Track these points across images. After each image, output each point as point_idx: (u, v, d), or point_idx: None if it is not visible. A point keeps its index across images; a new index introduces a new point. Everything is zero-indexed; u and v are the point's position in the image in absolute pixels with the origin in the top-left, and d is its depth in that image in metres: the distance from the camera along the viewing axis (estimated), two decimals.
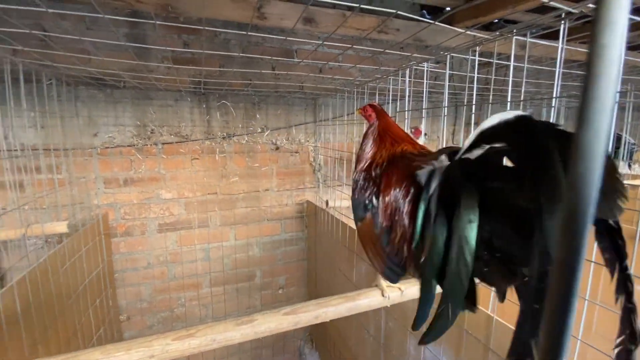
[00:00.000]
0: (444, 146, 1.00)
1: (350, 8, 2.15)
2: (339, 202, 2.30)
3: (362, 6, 0.89)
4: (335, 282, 2.23)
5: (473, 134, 0.53)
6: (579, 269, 0.21)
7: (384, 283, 0.98)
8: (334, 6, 2.16)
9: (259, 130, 2.50)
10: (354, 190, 0.96)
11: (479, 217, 0.56)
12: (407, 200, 0.78)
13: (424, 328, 0.67)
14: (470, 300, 0.60)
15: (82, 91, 2.06)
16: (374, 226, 0.85)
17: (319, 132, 2.66)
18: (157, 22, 1.32)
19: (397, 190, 0.81)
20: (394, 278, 0.87)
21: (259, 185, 2.58)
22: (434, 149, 0.91)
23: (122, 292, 2.37)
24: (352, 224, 1.96)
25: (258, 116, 2.48)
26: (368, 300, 0.91)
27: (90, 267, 1.94)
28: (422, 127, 2.02)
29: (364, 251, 0.91)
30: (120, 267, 2.34)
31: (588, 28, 2.29)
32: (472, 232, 0.55)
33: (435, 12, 2.25)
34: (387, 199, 0.83)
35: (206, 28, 1.27)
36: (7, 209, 1.57)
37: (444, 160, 0.66)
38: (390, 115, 1.12)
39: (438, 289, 0.63)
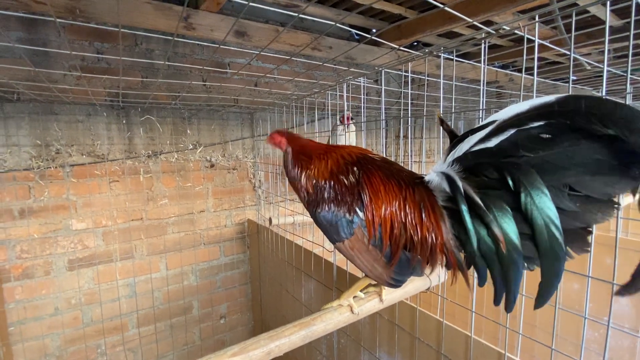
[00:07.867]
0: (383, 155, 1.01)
1: (282, 24, 2.14)
2: (283, 218, 2.23)
3: (300, 15, 0.87)
4: (282, 304, 2.13)
5: (491, 122, 0.63)
6: None
7: (351, 299, 0.94)
8: (266, 21, 2.13)
9: (191, 147, 2.31)
10: (318, 203, 0.86)
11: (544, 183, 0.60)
12: (421, 208, 0.76)
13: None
14: (581, 243, 0.62)
15: None
16: (369, 241, 0.81)
17: (258, 148, 2.57)
18: (58, 21, 1.14)
19: (396, 201, 0.79)
20: (399, 283, 0.85)
21: (192, 207, 2.37)
22: None
23: (20, 349, 1.92)
24: (298, 241, 1.90)
25: (189, 132, 2.30)
26: (324, 324, 0.85)
27: None
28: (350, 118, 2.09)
29: (355, 265, 0.85)
30: (16, 318, 1.90)
31: (496, 51, 2.66)
32: (548, 201, 0.59)
33: (364, 33, 2.38)
34: (381, 211, 0.79)
35: (123, 30, 1.12)
36: None
37: (442, 163, 0.73)
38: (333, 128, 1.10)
39: None
